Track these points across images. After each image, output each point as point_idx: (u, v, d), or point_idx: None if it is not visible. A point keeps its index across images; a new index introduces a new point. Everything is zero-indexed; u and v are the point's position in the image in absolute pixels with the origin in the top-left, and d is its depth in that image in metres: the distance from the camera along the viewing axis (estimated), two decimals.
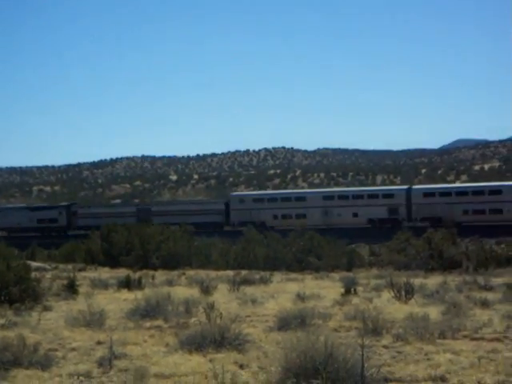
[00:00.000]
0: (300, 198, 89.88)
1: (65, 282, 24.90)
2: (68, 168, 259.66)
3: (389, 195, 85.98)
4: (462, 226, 70.05)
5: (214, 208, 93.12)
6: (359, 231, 78.74)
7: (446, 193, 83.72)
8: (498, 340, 13.27)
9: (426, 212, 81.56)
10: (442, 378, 9.79)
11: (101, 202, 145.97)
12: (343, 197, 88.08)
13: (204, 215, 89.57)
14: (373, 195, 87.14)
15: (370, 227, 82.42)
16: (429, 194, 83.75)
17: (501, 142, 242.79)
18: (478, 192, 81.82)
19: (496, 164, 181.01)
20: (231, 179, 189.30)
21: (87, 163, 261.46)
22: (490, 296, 20.73)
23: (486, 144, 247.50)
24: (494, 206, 79.38)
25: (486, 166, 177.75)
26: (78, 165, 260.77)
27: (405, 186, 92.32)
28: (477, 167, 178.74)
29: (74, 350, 12.46)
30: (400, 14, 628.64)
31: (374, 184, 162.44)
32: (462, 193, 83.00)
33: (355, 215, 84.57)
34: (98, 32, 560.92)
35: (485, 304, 18.88)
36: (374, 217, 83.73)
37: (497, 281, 28.26)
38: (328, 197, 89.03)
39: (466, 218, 79.43)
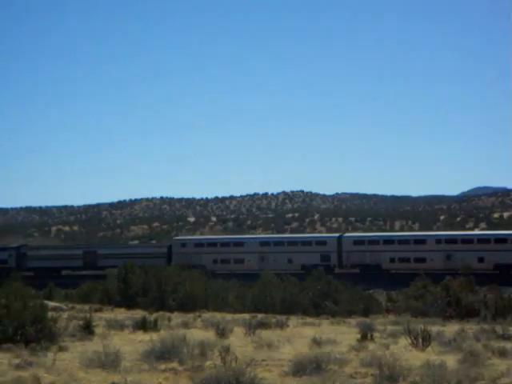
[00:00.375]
0: (238, 244, 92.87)
1: (81, 322, 24.92)
2: (87, 208, 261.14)
3: (321, 242, 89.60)
4: (389, 273, 78.56)
5: (157, 251, 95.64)
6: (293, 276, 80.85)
7: (373, 241, 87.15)
8: None
9: (355, 259, 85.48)
10: None
11: (118, 242, 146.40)
12: (279, 243, 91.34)
13: (148, 258, 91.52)
14: (307, 242, 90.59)
15: (304, 273, 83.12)
16: (358, 241, 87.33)
17: None
18: (404, 241, 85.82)
19: None
20: (249, 222, 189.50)
21: (106, 203, 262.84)
22: (508, 345, 20.54)
23: (505, 192, 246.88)
24: (418, 254, 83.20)
25: (506, 214, 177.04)
26: (97, 205, 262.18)
27: (337, 234, 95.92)
28: (496, 215, 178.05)
29: None
30: (423, 55, 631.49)
31: (392, 230, 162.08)
32: (388, 241, 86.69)
33: (290, 261, 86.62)
34: (111, 66, 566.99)
35: (503, 353, 18.71)
36: (308, 263, 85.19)
37: None
38: (264, 243, 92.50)
39: (392, 266, 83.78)
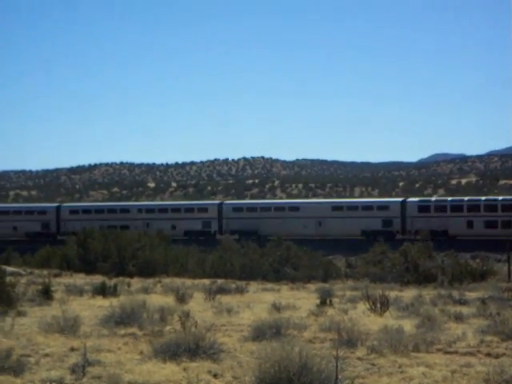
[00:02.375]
0: (124, 210, 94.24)
1: (40, 287, 24.74)
2: (46, 173, 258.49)
3: (203, 209, 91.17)
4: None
5: (43, 219, 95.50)
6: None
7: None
8: (471, 354, 13.34)
9: (235, 225, 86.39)
10: None
11: None
12: (163, 210, 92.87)
13: (34, 222, 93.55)
14: (190, 209, 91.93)
15: (187, 239, 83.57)
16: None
17: (478, 157, 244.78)
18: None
19: (473, 179, 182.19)
20: (209, 188, 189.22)
21: (65, 169, 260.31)
22: (464, 310, 20.84)
23: (463, 159, 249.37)
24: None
25: (463, 181, 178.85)
26: (56, 170, 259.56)
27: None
28: (454, 181, 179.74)
29: (47, 356, 12.38)
30: (385, 27, 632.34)
31: (352, 196, 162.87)
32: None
33: (173, 227, 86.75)
34: (83, 36, 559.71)
35: (459, 318, 18.97)
36: (191, 229, 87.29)
37: (471, 295, 28.41)
38: (150, 210, 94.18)
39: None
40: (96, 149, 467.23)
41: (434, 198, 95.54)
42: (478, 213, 79.10)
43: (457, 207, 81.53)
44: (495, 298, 25.62)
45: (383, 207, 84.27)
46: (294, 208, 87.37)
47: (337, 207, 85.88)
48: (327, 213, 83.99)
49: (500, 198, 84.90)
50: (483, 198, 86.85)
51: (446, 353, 13.48)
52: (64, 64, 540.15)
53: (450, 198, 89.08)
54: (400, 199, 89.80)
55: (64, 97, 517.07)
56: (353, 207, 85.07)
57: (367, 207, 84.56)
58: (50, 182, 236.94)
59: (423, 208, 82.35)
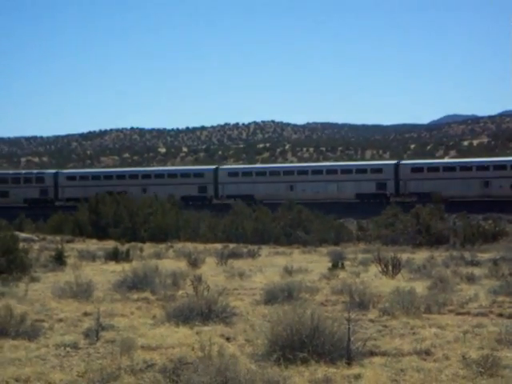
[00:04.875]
0: (120, 176, 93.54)
1: (52, 253, 24.88)
2: (57, 139, 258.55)
3: (199, 174, 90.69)
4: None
5: (42, 186, 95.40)
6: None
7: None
8: (483, 315, 13.36)
9: (231, 190, 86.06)
10: (427, 352, 9.85)
11: None
12: (160, 175, 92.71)
13: (32, 188, 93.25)
14: (186, 174, 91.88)
15: (184, 204, 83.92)
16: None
17: (490, 117, 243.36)
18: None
19: (485, 140, 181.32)
20: (220, 152, 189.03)
21: (76, 134, 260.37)
22: (476, 271, 20.85)
23: (475, 120, 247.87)
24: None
25: (475, 142, 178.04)
26: (67, 136, 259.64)
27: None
28: (466, 143, 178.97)
29: (60, 320, 12.46)
30: None
31: (363, 159, 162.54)
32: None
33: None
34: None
35: (471, 279, 18.99)
36: (187, 194, 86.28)
37: (483, 256, 28.44)
38: (146, 175, 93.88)
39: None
40: (107, 114, 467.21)
41: (427, 161, 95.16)
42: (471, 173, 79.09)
43: (450, 169, 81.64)
44: (507, 259, 25.63)
45: (377, 170, 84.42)
46: (289, 172, 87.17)
47: (331, 170, 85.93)
48: (320, 177, 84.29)
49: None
50: (477, 159, 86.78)
51: (458, 314, 13.49)
52: (73, 31, 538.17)
53: (443, 160, 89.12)
54: (393, 162, 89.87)
55: (74, 63, 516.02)
56: (347, 170, 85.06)
57: (361, 170, 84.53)
58: (61, 148, 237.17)
59: (416, 170, 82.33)
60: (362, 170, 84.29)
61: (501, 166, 78.77)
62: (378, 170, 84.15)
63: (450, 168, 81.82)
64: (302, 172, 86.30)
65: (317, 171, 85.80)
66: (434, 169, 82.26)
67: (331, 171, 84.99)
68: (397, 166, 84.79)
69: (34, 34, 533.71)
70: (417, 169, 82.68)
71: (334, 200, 78.14)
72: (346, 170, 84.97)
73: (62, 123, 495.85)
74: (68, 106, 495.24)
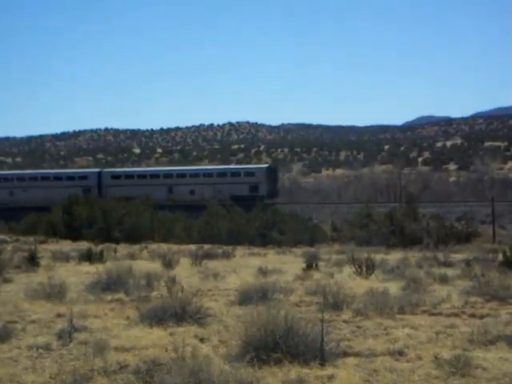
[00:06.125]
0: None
1: (26, 254, 24.72)
2: (30, 140, 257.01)
3: (83, 177, 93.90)
4: None
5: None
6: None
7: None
8: (455, 315, 13.43)
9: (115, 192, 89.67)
10: (400, 353, 9.89)
11: None
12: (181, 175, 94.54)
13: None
14: (71, 177, 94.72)
15: None
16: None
17: (463, 119, 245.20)
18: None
19: (458, 141, 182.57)
20: (195, 153, 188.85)
21: (49, 135, 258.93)
22: (449, 272, 20.97)
23: (448, 121, 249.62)
24: None
25: (448, 143, 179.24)
26: (41, 136, 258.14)
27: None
28: (439, 144, 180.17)
29: (33, 322, 12.38)
30: None
31: (337, 160, 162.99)
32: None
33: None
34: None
35: (444, 280, 19.09)
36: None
37: (456, 257, 28.59)
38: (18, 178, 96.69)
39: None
40: (81, 115, 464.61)
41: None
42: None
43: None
44: (480, 260, 25.80)
45: (250, 174, 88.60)
46: (168, 175, 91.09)
47: (207, 174, 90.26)
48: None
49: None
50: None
51: (431, 314, 13.57)
52: (45, 29, 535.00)
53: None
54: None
55: (47, 63, 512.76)
56: (223, 174, 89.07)
57: (235, 174, 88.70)
58: (34, 148, 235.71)
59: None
60: (235, 174, 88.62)
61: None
62: (251, 173, 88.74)
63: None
64: (181, 175, 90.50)
65: (194, 174, 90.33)
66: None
67: (207, 174, 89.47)
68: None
69: (4, 32, 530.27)
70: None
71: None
72: (222, 174, 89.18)
73: (36, 124, 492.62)
74: (41, 107, 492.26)
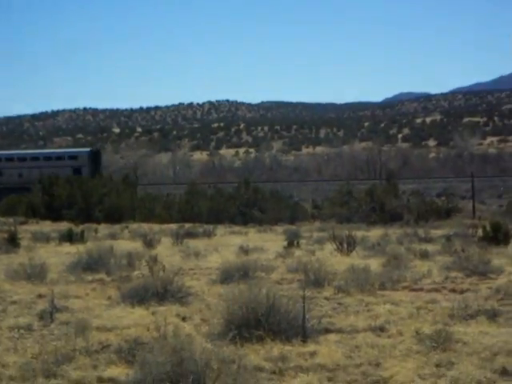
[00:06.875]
0: None
1: (5, 235, 24.59)
2: (8, 120, 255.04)
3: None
4: None
5: None
6: None
7: None
8: (436, 290, 13.53)
9: None
10: (382, 328, 9.96)
11: None
12: None
13: None
14: None
15: None
16: None
17: (442, 95, 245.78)
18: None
19: (437, 117, 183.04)
20: (175, 132, 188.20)
21: (28, 115, 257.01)
22: (429, 248, 21.09)
23: (427, 97, 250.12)
24: None
25: (428, 119, 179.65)
26: (19, 117, 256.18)
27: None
28: (419, 120, 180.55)
29: (14, 303, 12.35)
30: None
31: (317, 137, 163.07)
32: None
33: None
34: None
35: (424, 256, 19.20)
36: None
37: (436, 233, 28.74)
38: None
39: None
40: (59, 94, 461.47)
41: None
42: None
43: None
44: (460, 235, 25.94)
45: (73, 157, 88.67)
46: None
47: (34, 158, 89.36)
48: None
49: None
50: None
51: (412, 290, 13.66)
52: (23, 9, 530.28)
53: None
54: None
55: (24, 42, 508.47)
56: (47, 157, 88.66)
57: (59, 157, 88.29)
58: (12, 129, 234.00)
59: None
60: (60, 157, 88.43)
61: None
62: (74, 157, 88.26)
63: None
64: (10, 159, 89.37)
65: (22, 158, 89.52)
66: None
67: (34, 158, 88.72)
68: None
69: None
70: None
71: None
72: (48, 158, 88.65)
73: (13, 104, 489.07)
74: (18, 86, 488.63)
